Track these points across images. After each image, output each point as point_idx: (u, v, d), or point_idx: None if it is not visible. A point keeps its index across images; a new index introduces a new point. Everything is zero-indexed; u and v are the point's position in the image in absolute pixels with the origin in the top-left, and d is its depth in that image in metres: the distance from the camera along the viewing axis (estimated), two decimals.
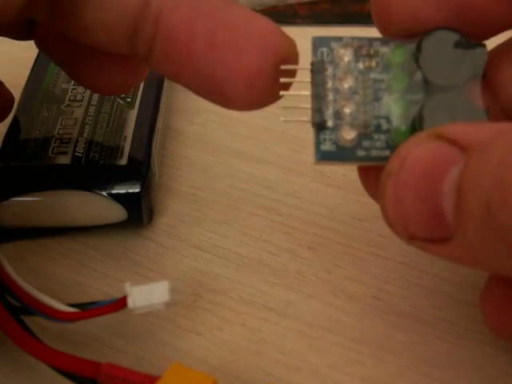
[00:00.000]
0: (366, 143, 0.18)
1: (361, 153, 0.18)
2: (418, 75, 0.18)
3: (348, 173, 0.26)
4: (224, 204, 0.26)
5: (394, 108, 0.18)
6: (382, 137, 0.18)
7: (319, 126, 0.18)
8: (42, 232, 0.24)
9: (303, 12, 0.36)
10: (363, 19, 0.35)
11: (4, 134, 0.25)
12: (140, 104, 0.26)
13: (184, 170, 0.27)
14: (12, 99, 0.24)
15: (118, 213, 0.23)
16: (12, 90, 0.25)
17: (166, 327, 0.21)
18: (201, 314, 0.22)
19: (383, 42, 0.19)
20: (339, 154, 0.18)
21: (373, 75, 0.18)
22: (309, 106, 0.18)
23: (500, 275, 0.18)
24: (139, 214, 0.24)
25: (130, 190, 0.23)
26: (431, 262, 0.23)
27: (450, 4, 0.18)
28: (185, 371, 0.17)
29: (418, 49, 0.18)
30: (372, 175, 0.19)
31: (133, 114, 0.26)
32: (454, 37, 0.18)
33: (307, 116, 0.18)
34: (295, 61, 0.18)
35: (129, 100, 0.26)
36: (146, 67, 0.23)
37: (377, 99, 0.18)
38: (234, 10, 0.18)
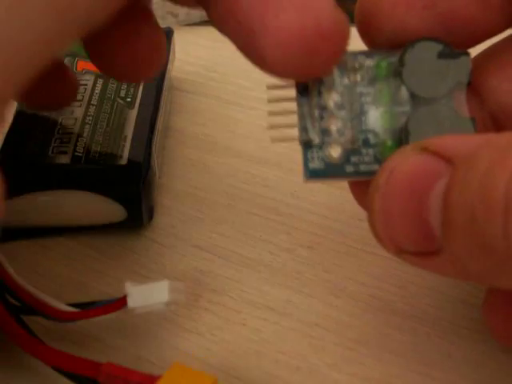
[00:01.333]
0: (354, 158, 0.18)
1: (349, 169, 0.18)
2: (403, 88, 0.18)
3: None
4: (224, 204, 0.26)
5: (380, 121, 0.18)
6: (370, 151, 0.18)
7: (306, 145, 0.18)
8: (42, 232, 0.24)
9: None
10: None
11: (4, 134, 0.25)
12: (140, 104, 0.26)
13: (184, 170, 0.27)
14: (76, 84, 0.24)
15: (117, 213, 0.23)
16: None
17: (166, 327, 0.21)
18: (201, 314, 0.22)
19: (368, 54, 0.19)
20: (328, 171, 0.18)
21: (359, 89, 0.18)
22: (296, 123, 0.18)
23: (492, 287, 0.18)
24: (139, 213, 0.24)
25: (130, 190, 0.23)
26: None
27: (435, 14, 0.18)
28: (185, 371, 0.17)
29: (401, 62, 0.18)
30: (364, 189, 0.19)
31: (133, 114, 0.26)
32: (437, 47, 0.18)
33: (296, 134, 0.18)
34: (341, 39, 0.17)
35: (129, 100, 0.26)
36: (160, 58, 0.21)
37: (363, 113, 0.18)
38: None
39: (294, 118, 0.18)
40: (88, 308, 0.19)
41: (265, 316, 0.22)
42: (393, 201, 0.16)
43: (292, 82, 0.18)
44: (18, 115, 0.25)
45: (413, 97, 0.18)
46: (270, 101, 0.19)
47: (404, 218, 0.16)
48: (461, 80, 0.18)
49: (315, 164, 0.18)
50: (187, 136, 0.29)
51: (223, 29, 0.18)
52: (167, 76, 0.29)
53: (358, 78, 0.18)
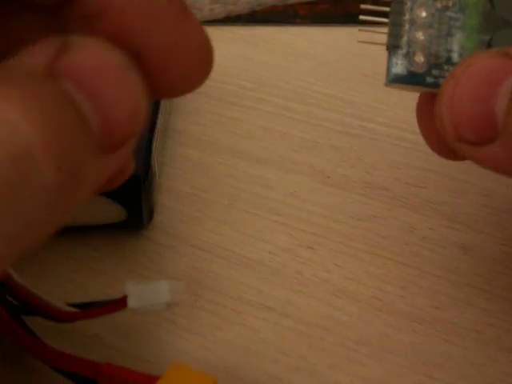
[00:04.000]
0: (435, 72, 0.19)
1: (430, 80, 0.19)
2: (493, 14, 0.19)
3: (348, 173, 0.27)
4: (224, 204, 0.26)
5: (466, 43, 0.19)
6: (452, 68, 0.19)
7: (393, 49, 0.19)
8: None
9: (303, 12, 0.36)
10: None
11: None
12: None
13: (184, 170, 0.27)
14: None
15: (118, 213, 0.23)
16: None
17: (166, 327, 0.21)
18: (201, 314, 0.22)
19: None
20: (409, 79, 0.19)
21: (449, 13, 0.19)
22: (385, 31, 0.19)
23: None
24: (139, 213, 0.24)
25: (130, 190, 0.23)
26: (431, 262, 0.23)
27: None
28: (185, 371, 0.17)
29: None
30: (431, 104, 0.20)
31: None
32: None
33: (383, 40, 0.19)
34: None
35: None
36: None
37: (450, 35, 0.19)
38: None
39: (384, 29, 0.19)
40: (88, 308, 0.19)
41: (265, 316, 0.22)
42: (465, 87, 0.17)
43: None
44: None
45: (501, 21, 0.19)
46: (363, 8, 0.20)
47: (472, 104, 0.17)
48: None
49: (398, 70, 0.19)
50: (187, 136, 0.29)
51: None
52: None
53: (450, 3, 0.19)
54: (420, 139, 0.28)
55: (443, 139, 0.20)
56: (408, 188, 0.26)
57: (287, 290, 0.22)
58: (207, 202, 0.26)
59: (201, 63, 0.17)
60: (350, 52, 0.33)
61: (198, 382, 0.17)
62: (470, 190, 0.26)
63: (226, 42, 0.34)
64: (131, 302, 0.19)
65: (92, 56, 0.15)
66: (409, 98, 0.30)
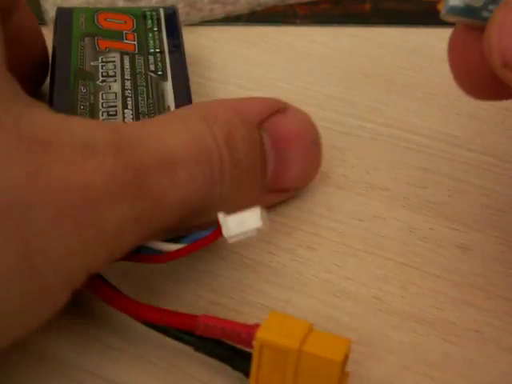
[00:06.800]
0: (492, 7, 0.19)
1: (486, 14, 0.19)
2: None
3: (348, 173, 0.27)
4: None
5: None
6: None
7: None
8: None
9: (303, 12, 0.36)
10: (363, 19, 0.35)
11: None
12: (172, 76, 0.26)
13: None
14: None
15: None
16: None
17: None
18: None
19: None
20: (466, 12, 0.19)
21: None
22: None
23: None
24: None
25: None
26: (431, 262, 0.23)
27: None
28: (282, 318, 0.19)
29: None
30: (470, 37, 0.20)
31: (168, 86, 0.26)
32: None
33: None
34: None
35: (160, 73, 0.26)
36: None
37: None
38: None
39: None
40: (184, 242, 0.19)
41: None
42: None
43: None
44: (56, 94, 0.25)
45: None
46: None
47: None
48: None
49: (456, 2, 0.19)
50: None
51: None
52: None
53: None
54: (420, 139, 0.28)
55: (474, 73, 0.20)
56: (408, 188, 0.26)
57: (287, 289, 0.22)
58: None
59: None
60: (350, 52, 0.33)
61: (296, 326, 0.18)
62: (470, 190, 0.26)
63: (226, 42, 0.34)
64: (226, 231, 0.19)
65: (290, 124, 0.23)
66: (409, 98, 0.30)
